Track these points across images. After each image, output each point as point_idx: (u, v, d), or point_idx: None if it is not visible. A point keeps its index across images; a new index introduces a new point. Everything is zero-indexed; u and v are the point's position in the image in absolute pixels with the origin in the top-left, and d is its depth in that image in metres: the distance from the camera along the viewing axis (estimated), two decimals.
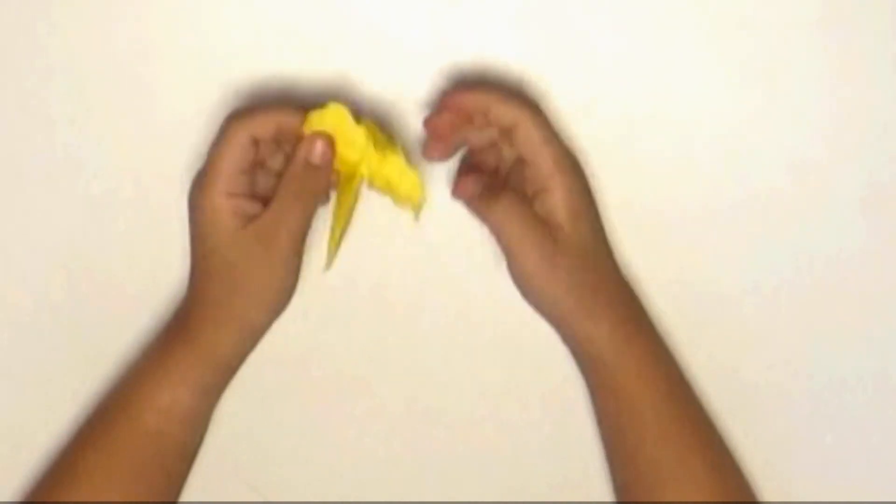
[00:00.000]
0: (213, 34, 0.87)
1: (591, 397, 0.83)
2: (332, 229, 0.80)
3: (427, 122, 0.80)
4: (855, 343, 0.87)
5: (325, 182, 0.80)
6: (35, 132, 0.87)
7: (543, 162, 0.79)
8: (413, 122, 0.86)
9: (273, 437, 0.87)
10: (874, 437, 0.87)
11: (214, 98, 0.86)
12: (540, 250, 0.79)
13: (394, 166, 0.79)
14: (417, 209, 0.80)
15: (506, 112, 0.79)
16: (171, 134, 0.87)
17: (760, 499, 0.84)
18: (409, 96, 0.86)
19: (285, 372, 0.87)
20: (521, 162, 0.80)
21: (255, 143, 0.79)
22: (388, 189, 0.80)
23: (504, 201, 0.79)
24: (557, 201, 0.79)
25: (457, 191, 0.79)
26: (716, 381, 0.86)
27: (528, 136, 0.79)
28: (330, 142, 0.79)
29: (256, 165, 0.80)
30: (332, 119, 0.79)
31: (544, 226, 0.79)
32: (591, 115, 0.87)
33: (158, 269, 0.86)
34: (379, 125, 0.81)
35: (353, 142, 0.79)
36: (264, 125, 0.79)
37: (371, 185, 0.80)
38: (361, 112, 0.84)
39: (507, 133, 0.80)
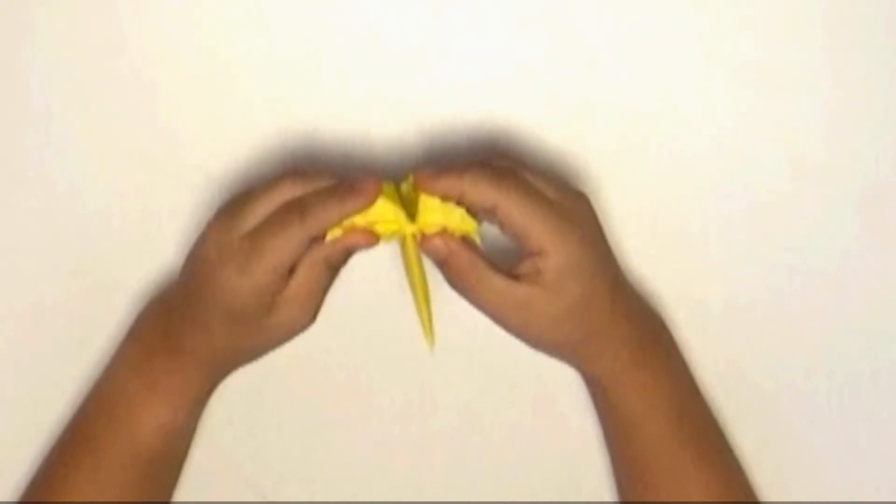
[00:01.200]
0: (208, 39, 0.87)
1: (600, 423, 0.84)
2: (417, 303, 0.80)
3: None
4: (855, 343, 0.87)
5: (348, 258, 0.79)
6: (33, 135, 0.87)
7: (529, 237, 0.77)
8: (410, 124, 0.86)
9: (273, 437, 0.87)
10: (876, 437, 0.87)
11: (211, 102, 0.86)
12: (516, 320, 0.79)
13: (435, 210, 0.78)
14: (474, 232, 0.79)
15: (480, 196, 0.77)
16: (168, 136, 0.87)
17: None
18: (406, 98, 0.86)
19: (285, 372, 0.86)
20: (514, 235, 0.79)
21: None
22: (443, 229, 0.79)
23: (465, 272, 0.78)
24: (546, 266, 0.77)
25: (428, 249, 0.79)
26: (714, 381, 0.86)
27: (509, 217, 0.77)
28: (374, 237, 0.78)
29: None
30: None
31: (510, 292, 0.78)
32: (590, 115, 0.87)
33: (155, 275, 0.87)
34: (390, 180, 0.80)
35: (383, 217, 0.78)
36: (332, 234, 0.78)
37: (426, 235, 0.79)
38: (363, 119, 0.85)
39: (488, 212, 0.78)
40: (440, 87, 0.87)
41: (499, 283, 0.78)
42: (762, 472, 0.85)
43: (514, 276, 0.78)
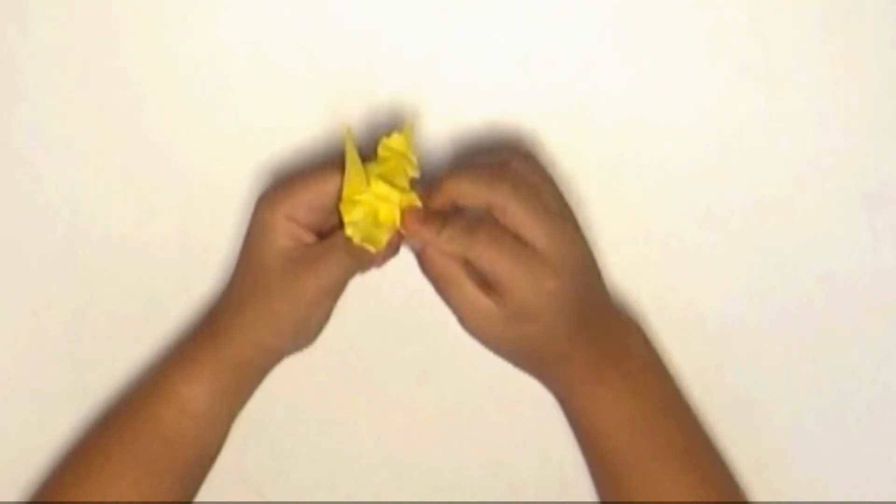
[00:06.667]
0: (209, 41, 0.87)
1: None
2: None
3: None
4: (856, 345, 0.87)
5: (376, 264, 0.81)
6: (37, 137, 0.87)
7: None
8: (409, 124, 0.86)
9: (273, 437, 0.87)
10: (877, 439, 0.87)
11: (211, 104, 0.87)
12: (472, 325, 0.79)
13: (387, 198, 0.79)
14: (370, 243, 0.79)
15: (477, 195, 0.79)
16: (167, 138, 0.87)
17: None
18: (406, 98, 0.86)
19: (285, 372, 0.86)
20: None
21: (336, 192, 0.79)
22: (366, 212, 0.79)
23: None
24: (509, 299, 0.78)
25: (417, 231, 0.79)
26: (713, 385, 0.86)
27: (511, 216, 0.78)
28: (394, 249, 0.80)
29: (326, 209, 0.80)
30: (398, 145, 0.80)
31: (480, 303, 0.79)
32: (589, 116, 0.87)
33: (164, 278, 0.88)
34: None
35: (391, 170, 0.80)
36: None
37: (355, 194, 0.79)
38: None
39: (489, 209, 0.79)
40: (440, 87, 0.87)
41: (469, 290, 0.78)
42: (753, 476, 0.85)
43: (485, 286, 0.78)
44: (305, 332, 0.81)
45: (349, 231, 0.79)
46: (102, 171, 0.87)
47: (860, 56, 0.86)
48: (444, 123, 0.86)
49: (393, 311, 0.87)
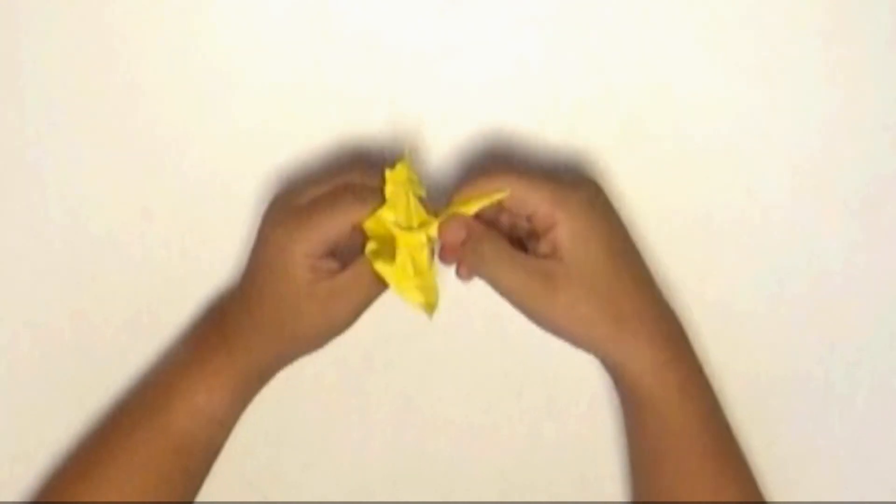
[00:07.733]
0: (210, 45, 0.87)
1: (626, 423, 0.82)
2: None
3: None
4: (855, 344, 0.87)
5: None
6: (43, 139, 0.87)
7: (539, 207, 0.78)
8: (410, 124, 0.86)
9: (273, 438, 0.87)
10: (873, 437, 0.87)
11: (210, 104, 0.87)
12: (539, 300, 0.79)
13: (421, 254, 0.80)
14: (425, 308, 0.80)
15: (492, 186, 0.79)
16: (167, 138, 0.87)
17: None
18: (406, 98, 0.86)
19: (286, 372, 0.86)
20: (528, 219, 0.80)
21: (351, 224, 0.80)
22: (403, 262, 0.80)
23: (487, 251, 0.79)
24: (560, 237, 0.78)
25: (443, 256, 0.81)
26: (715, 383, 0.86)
27: (517, 201, 0.79)
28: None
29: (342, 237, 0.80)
30: (402, 176, 0.80)
31: (535, 266, 0.79)
32: (590, 116, 0.87)
33: (164, 282, 0.88)
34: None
35: (404, 206, 0.80)
36: (368, 216, 0.80)
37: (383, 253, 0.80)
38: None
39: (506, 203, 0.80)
40: (440, 87, 0.87)
41: (519, 258, 0.79)
42: (767, 471, 0.85)
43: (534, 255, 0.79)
44: (329, 339, 0.82)
45: (415, 300, 0.79)
46: (103, 174, 0.87)
47: (859, 55, 0.86)
48: (447, 121, 0.86)
49: (395, 311, 0.87)
